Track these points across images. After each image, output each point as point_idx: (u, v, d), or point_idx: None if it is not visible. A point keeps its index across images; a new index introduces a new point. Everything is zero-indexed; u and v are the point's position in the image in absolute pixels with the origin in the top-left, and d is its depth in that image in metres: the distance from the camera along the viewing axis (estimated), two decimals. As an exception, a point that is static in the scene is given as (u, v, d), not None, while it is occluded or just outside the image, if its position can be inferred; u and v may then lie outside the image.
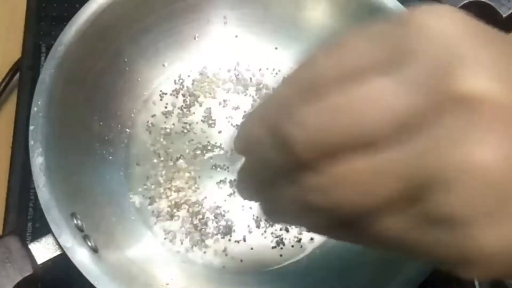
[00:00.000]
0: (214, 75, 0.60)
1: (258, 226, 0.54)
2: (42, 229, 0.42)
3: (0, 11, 0.65)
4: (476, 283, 0.53)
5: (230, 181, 0.55)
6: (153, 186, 0.54)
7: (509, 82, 0.21)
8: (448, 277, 0.52)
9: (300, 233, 0.54)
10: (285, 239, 0.53)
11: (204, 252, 0.52)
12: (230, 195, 0.55)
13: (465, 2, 0.52)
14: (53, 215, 0.41)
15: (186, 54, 0.60)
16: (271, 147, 0.23)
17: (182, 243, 0.52)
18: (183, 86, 0.59)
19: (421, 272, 0.42)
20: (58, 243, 0.41)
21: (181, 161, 0.56)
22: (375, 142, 0.21)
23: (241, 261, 0.52)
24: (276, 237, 0.53)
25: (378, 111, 0.21)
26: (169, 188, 0.54)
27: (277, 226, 0.54)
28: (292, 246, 0.53)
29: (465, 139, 0.20)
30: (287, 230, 0.54)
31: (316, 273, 0.52)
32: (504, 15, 0.52)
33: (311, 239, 0.53)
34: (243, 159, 0.29)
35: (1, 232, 0.52)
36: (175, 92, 0.59)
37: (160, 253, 0.52)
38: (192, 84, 0.59)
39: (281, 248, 0.53)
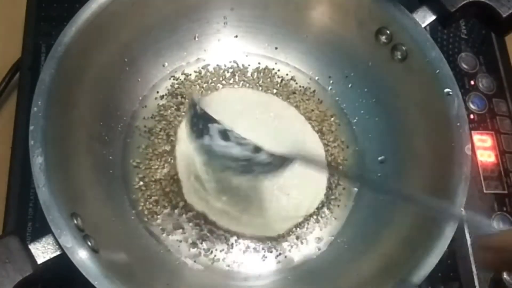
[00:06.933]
0: (214, 75, 0.60)
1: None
2: (42, 229, 0.42)
3: (0, 11, 0.65)
4: (476, 282, 0.53)
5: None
6: (153, 186, 0.54)
7: None
8: (448, 277, 0.52)
9: (298, 238, 0.54)
10: (285, 243, 0.54)
11: (204, 253, 0.52)
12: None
13: (465, 2, 0.52)
14: (53, 215, 0.41)
15: (186, 54, 0.60)
16: None
17: (182, 243, 0.52)
18: (183, 86, 0.59)
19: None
20: (58, 243, 0.41)
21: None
22: None
23: (242, 263, 0.52)
24: (276, 241, 0.53)
25: None
26: (169, 189, 0.54)
27: (278, 229, 0.54)
28: (291, 246, 0.53)
29: None
30: (286, 236, 0.54)
31: (314, 278, 0.52)
32: (504, 15, 0.52)
33: (310, 242, 0.54)
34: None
35: (1, 232, 0.52)
36: (175, 92, 0.59)
37: (160, 253, 0.52)
38: (192, 84, 0.59)
39: (280, 254, 0.53)
